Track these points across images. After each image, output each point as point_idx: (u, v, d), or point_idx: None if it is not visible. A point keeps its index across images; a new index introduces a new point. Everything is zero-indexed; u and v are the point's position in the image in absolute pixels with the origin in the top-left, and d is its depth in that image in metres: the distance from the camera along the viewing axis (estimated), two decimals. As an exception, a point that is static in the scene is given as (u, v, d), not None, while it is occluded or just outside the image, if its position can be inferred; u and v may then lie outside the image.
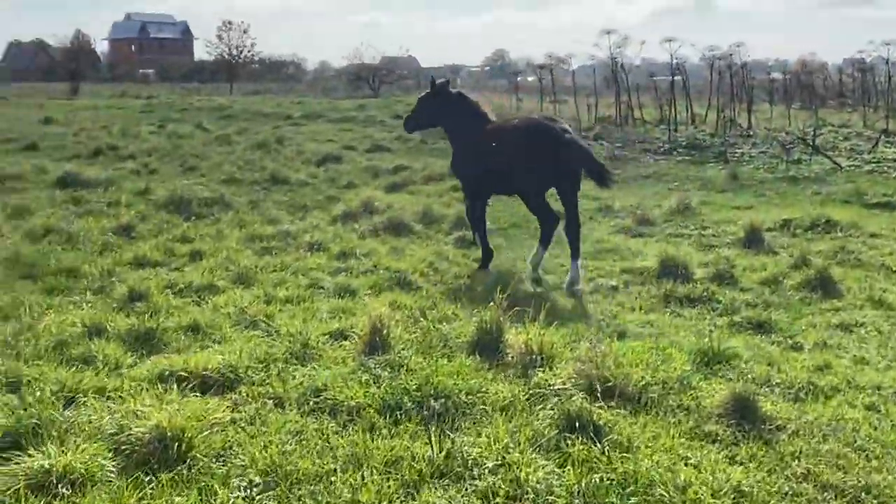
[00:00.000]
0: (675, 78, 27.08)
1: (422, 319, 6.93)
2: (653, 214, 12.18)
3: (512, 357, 6.03)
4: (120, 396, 5.16)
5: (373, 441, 4.72)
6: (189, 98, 46.95)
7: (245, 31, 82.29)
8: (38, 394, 4.96)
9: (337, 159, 17.85)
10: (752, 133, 23.75)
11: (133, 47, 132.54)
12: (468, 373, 5.71)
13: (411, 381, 5.46)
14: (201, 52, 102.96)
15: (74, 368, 5.69)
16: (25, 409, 4.72)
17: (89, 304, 7.27)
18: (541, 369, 5.78)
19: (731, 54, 28.10)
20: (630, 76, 28.69)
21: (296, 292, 7.82)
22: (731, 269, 8.96)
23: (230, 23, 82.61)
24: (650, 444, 4.82)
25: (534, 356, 5.95)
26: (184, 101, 41.42)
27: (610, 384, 5.40)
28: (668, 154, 20.25)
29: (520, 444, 4.70)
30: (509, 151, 8.88)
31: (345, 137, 24.07)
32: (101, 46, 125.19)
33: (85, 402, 5.04)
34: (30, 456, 4.28)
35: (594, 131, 24.59)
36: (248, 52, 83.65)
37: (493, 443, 4.72)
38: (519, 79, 44.91)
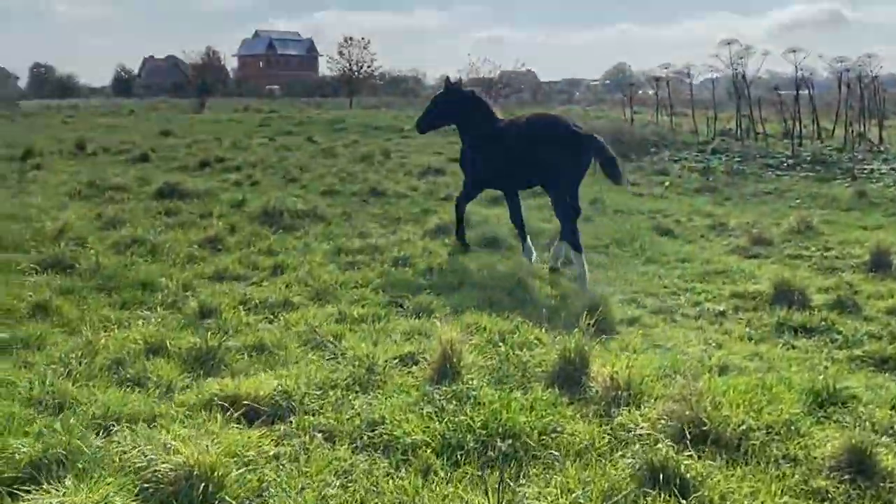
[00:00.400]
0: (801, 91, 25.63)
1: (500, 344, 6.34)
2: (770, 233, 11.25)
3: (595, 391, 5.38)
4: (160, 425, 4.76)
5: (424, 487, 4.16)
6: (308, 112, 47.61)
7: (365, 47, 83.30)
8: (72, 420, 4.60)
9: (439, 171, 17.42)
10: (883, 149, 22.22)
11: (261, 63, 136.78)
12: (543, 408, 5.09)
13: (477, 416, 4.89)
14: (326, 68, 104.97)
15: (124, 390, 5.37)
16: (54, 437, 4.34)
17: (158, 320, 6.95)
18: (626, 408, 5.12)
19: (860, 66, 26.41)
20: (752, 89, 27.32)
21: (373, 311, 7.34)
22: (853, 295, 8.07)
23: (351, 39, 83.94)
24: (746, 502, 4.11)
25: (619, 392, 5.28)
26: (302, 115, 41.88)
27: (704, 428, 4.70)
28: (791, 170, 19.07)
29: (591, 498, 4.07)
30: (533, 146, 9.45)
31: (452, 150, 23.61)
32: (232, 63, 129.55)
33: (121, 430, 4.63)
34: (44, 492, 3.89)
35: (712, 144, 23.50)
36: (368, 67, 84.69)
37: (561, 494, 4.10)
38: (640, 91, 43.91)
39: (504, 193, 10.62)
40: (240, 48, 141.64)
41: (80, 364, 5.76)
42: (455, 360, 5.63)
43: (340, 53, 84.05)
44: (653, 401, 5.19)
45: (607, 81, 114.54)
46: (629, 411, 5.07)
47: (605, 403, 5.20)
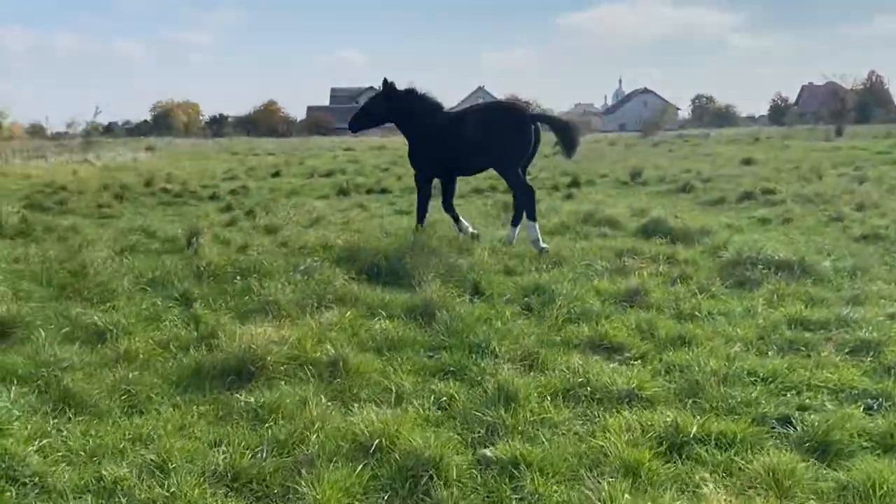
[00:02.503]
0: None
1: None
2: None
3: None
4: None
5: None
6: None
7: None
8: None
9: None
10: None
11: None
12: None
13: None
14: None
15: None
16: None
17: (438, 401, 5.41)
18: None
19: None
20: None
21: (734, 428, 4.85)
22: None
23: None
24: None
25: None
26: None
27: None
28: None
29: None
30: (489, 132, 10.55)
31: None
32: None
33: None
34: None
35: None
36: None
37: None
38: None
39: (442, 180, 11.61)
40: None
41: (263, 456, 4.54)
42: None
43: None
44: None
45: None
46: None
47: None
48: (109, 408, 5.38)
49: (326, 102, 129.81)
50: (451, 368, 6.11)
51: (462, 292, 8.03)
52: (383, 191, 19.79)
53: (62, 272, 8.85)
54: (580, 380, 5.68)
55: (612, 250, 10.14)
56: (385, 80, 11.35)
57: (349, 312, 7.38)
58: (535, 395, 5.42)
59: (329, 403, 5.32)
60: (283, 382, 5.79)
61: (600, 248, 10.35)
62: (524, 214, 10.68)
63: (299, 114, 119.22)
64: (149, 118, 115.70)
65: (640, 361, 6.25)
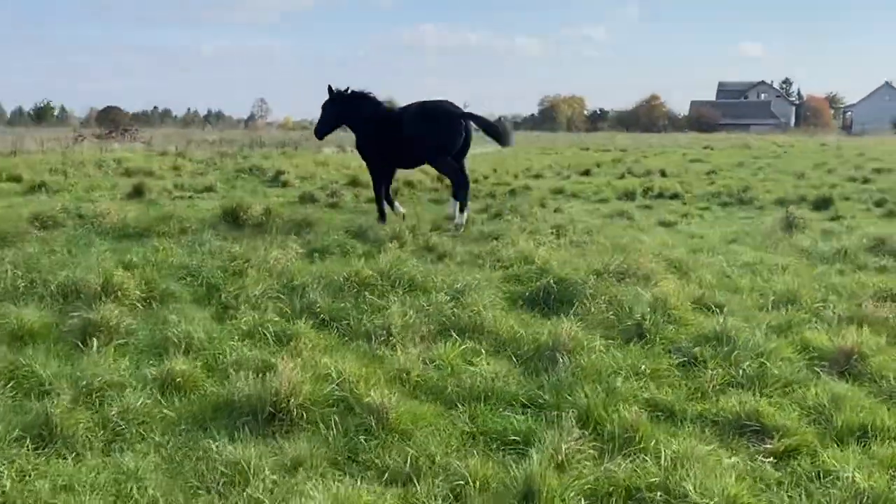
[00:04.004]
0: None
1: None
2: None
3: None
4: None
5: None
6: None
7: None
8: None
9: None
10: None
11: None
12: None
13: None
14: None
15: None
16: None
17: (456, 485, 4.23)
18: None
19: None
20: None
21: None
22: None
23: None
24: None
25: None
26: None
27: None
28: None
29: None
30: (424, 127, 12.44)
31: None
32: None
33: None
34: None
35: None
36: None
37: None
38: None
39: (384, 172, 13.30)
40: None
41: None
42: None
43: None
44: None
45: None
46: None
47: None
48: (86, 444, 4.77)
49: (712, 97, 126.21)
50: (514, 437, 4.86)
51: (616, 332, 6.62)
52: (673, 196, 17.94)
53: (217, 272, 8.53)
54: (653, 480, 4.21)
55: (872, 289, 8.02)
56: (329, 87, 13.07)
57: (461, 346, 6.31)
58: (573, 495, 4.06)
59: (298, 474, 4.33)
60: (303, 432, 4.91)
61: (859, 285, 8.23)
62: (457, 196, 12.63)
63: (683, 108, 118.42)
64: (536, 112, 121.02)
65: (776, 458, 4.61)
